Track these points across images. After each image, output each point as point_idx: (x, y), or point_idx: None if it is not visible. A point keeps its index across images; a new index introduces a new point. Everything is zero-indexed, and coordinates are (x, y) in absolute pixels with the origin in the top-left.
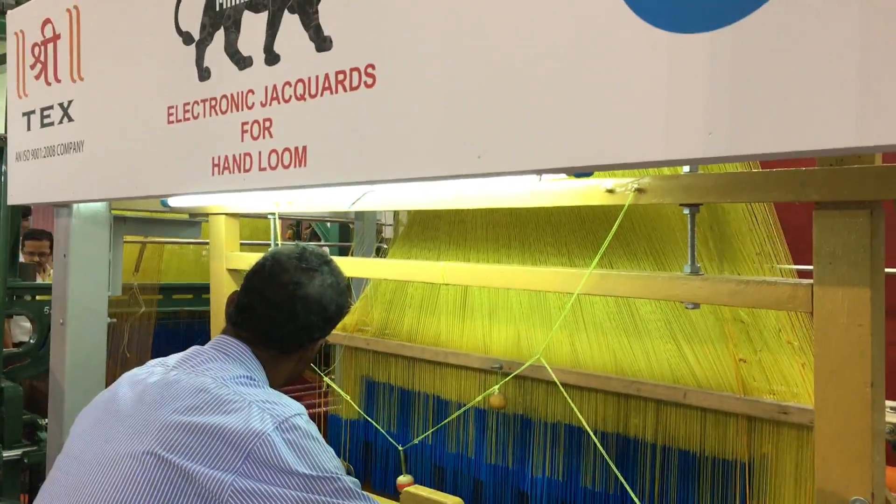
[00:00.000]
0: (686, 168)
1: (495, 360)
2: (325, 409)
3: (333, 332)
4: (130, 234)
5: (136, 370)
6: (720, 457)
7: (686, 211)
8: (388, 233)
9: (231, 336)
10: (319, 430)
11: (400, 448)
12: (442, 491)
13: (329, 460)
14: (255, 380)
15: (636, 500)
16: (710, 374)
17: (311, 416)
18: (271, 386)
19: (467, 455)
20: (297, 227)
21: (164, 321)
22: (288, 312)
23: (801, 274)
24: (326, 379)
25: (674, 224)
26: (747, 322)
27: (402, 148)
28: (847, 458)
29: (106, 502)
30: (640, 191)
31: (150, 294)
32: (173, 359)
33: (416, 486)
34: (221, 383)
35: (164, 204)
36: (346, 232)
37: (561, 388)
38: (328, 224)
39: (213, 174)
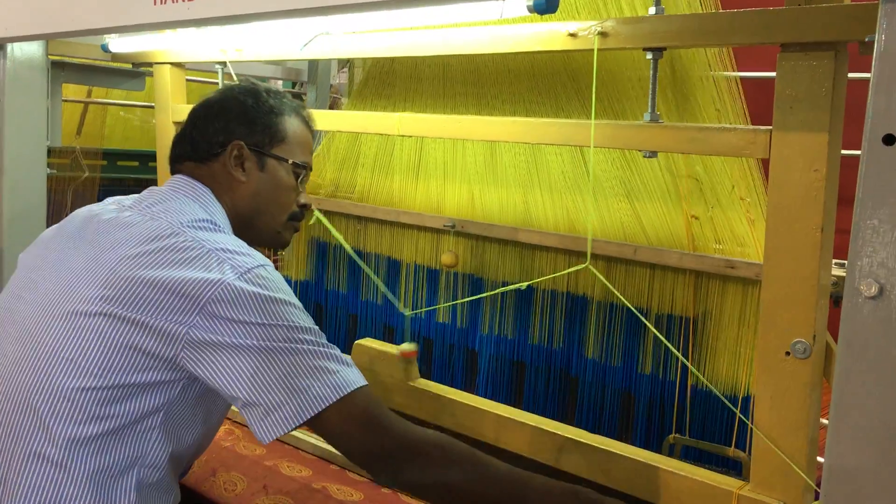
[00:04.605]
0: (652, 10)
1: (448, 218)
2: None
3: None
4: (70, 83)
5: (90, 206)
6: (666, 312)
7: (649, 56)
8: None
9: (186, 175)
10: None
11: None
12: None
13: (293, 312)
14: (217, 224)
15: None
16: (662, 232)
17: None
18: (236, 218)
19: (418, 315)
20: None
21: (109, 188)
22: (203, 119)
23: None
24: None
25: (632, 78)
26: (702, 179)
27: None
28: (792, 302)
29: (57, 353)
30: (603, 34)
31: (93, 159)
32: (129, 199)
33: (368, 339)
34: (178, 229)
35: (105, 49)
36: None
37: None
38: None
39: (155, 3)
